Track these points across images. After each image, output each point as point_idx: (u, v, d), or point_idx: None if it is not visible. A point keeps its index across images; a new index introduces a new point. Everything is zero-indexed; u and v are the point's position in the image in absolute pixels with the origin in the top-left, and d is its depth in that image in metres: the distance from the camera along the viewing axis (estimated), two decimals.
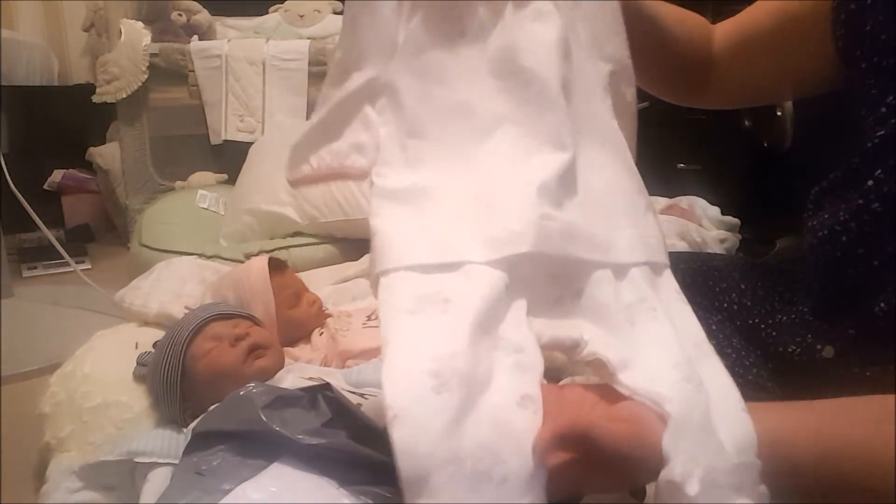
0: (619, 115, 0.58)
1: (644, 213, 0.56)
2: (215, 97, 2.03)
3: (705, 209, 1.64)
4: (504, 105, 0.53)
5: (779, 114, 1.41)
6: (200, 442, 0.72)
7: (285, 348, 1.07)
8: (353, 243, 1.66)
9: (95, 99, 1.99)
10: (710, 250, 1.46)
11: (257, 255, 1.50)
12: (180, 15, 2.08)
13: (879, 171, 0.54)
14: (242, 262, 1.41)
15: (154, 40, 1.98)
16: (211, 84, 2.02)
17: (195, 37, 2.07)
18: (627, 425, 0.44)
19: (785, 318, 0.70)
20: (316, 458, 0.67)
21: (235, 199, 1.82)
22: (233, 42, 2.04)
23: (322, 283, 1.39)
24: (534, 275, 0.50)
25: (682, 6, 0.73)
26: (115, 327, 1.17)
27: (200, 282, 1.26)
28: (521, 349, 0.47)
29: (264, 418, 0.68)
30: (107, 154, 2.20)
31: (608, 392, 0.48)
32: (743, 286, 0.76)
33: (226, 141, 2.04)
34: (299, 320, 1.15)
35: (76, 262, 1.73)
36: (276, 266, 1.19)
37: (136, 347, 1.06)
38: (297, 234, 1.68)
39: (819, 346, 0.63)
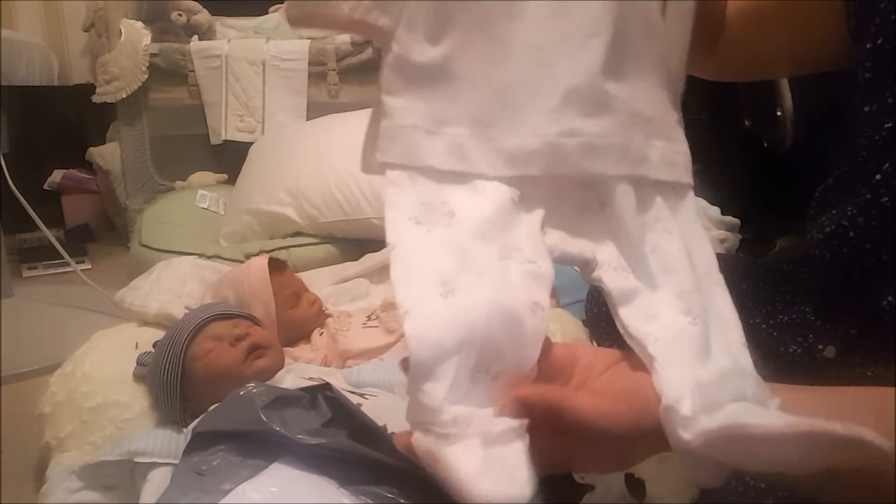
0: (671, 13, 0.52)
1: (675, 127, 0.52)
2: (215, 97, 2.03)
3: (705, 209, 1.64)
4: None
5: (779, 114, 1.41)
6: (200, 442, 0.72)
7: (285, 348, 1.07)
8: (353, 243, 1.66)
9: (95, 99, 1.99)
10: None
11: (257, 255, 1.50)
12: (180, 15, 2.08)
13: (888, 165, 0.53)
14: (242, 262, 1.41)
15: (154, 40, 1.98)
16: (211, 84, 2.02)
17: (195, 37, 2.07)
18: (610, 402, 0.43)
19: (786, 318, 0.70)
20: (316, 458, 0.67)
21: (235, 199, 1.82)
22: (233, 42, 2.04)
23: (322, 283, 1.39)
24: (556, 186, 0.48)
25: None
26: (115, 327, 1.17)
27: (200, 282, 1.26)
28: (533, 260, 0.45)
29: (264, 418, 0.68)
30: (107, 154, 2.20)
31: (626, 358, 0.47)
32: (744, 286, 0.76)
33: (226, 141, 2.05)
34: (299, 320, 1.15)
35: (76, 262, 1.72)
36: (276, 266, 1.19)
37: (136, 347, 1.06)
38: (297, 234, 1.68)
39: (821, 346, 0.63)
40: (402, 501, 0.63)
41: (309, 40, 2.04)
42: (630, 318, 0.46)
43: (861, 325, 0.59)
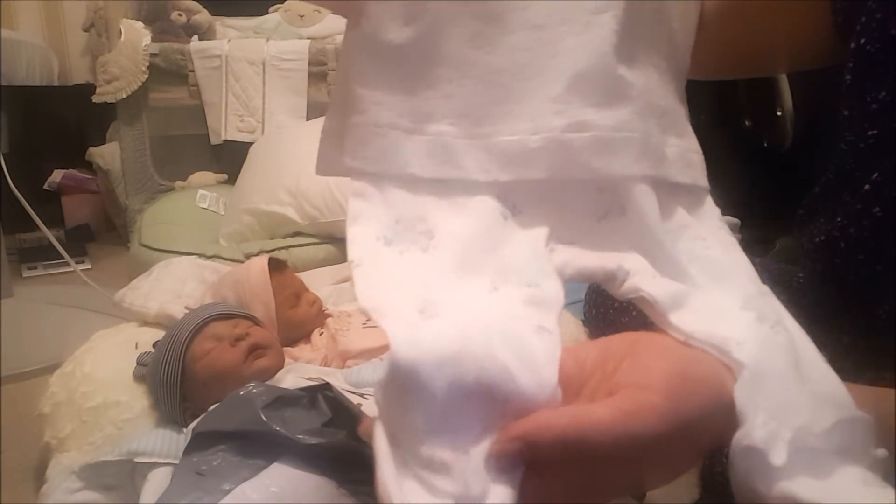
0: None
1: (686, 124, 0.45)
2: (215, 97, 2.03)
3: None
4: None
5: (779, 114, 1.41)
6: (200, 442, 0.72)
7: (285, 348, 1.07)
8: None
9: (95, 99, 1.99)
10: None
11: (257, 255, 1.50)
12: (180, 15, 2.08)
13: (877, 175, 0.51)
14: (242, 262, 1.41)
15: (154, 40, 1.98)
16: (211, 84, 2.02)
17: (195, 37, 2.07)
18: (632, 397, 0.33)
19: None
20: (316, 458, 0.67)
21: (235, 199, 1.82)
22: (233, 42, 2.04)
23: (322, 283, 1.40)
24: (563, 191, 0.40)
25: None
26: (115, 327, 1.17)
27: (200, 282, 1.26)
28: (535, 283, 0.37)
29: (264, 418, 0.68)
30: (107, 154, 2.20)
31: (643, 339, 0.38)
32: None
33: (226, 141, 2.04)
34: (299, 320, 1.15)
35: (76, 262, 1.73)
36: (276, 266, 1.19)
37: (136, 347, 1.06)
38: (297, 234, 1.68)
39: None
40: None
41: (309, 40, 2.04)
42: (690, 322, 0.37)
43: (856, 332, 0.58)
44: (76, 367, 1.03)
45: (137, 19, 2.01)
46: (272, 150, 1.85)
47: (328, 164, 0.42)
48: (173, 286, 1.22)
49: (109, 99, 1.97)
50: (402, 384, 0.31)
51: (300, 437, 0.66)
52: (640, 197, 0.40)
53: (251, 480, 0.65)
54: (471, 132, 0.39)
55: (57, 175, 2.32)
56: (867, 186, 0.52)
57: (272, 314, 1.10)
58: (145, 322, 1.17)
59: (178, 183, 2.08)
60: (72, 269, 1.69)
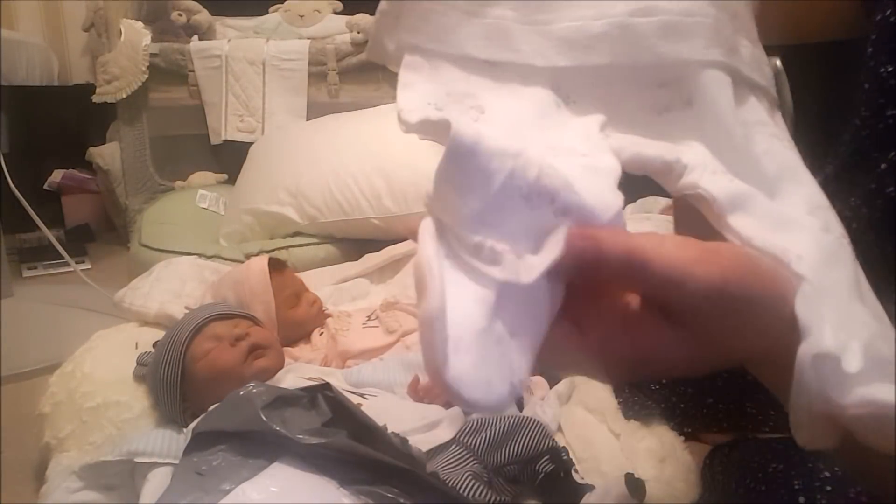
0: None
1: (756, 36, 0.42)
2: (215, 97, 2.03)
3: None
4: None
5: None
6: (200, 442, 0.72)
7: (285, 348, 1.07)
8: (353, 243, 1.66)
9: (95, 99, 1.99)
10: None
11: (257, 255, 1.50)
12: (180, 15, 2.08)
13: (893, 154, 0.50)
14: (242, 262, 1.42)
15: (154, 40, 1.98)
16: (211, 84, 2.02)
17: (195, 37, 2.07)
18: (696, 252, 0.32)
19: None
20: (316, 458, 0.67)
21: (235, 199, 1.82)
22: (233, 42, 2.04)
23: (322, 283, 1.40)
24: (623, 82, 0.39)
25: None
26: (115, 327, 1.17)
27: (200, 282, 1.26)
28: (591, 155, 0.35)
29: (264, 418, 0.68)
30: (107, 154, 2.20)
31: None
32: None
33: (226, 141, 2.04)
34: (299, 320, 1.15)
35: (76, 262, 1.73)
36: (276, 266, 1.19)
37: (136, 347, 1.06)
38: (297, 234, 1.68)
39: None
40: (402, 501, 0.63)
41: (309, 40, 2.04)
42: (749, 226, 0.35)
43: None
44: (76, 367, 1.03)
45: (137, 19, 2.02)
46: (272, 150, 1.85)
47: (379, 48, 0.41)
48: (173, 286, 1.22)
49: (109, 99, 1.97)
50: (461, 166, 0.30)
51: (300, 437, 0.66)
52: (711, 83, 0.37)
53: (251, 480, 0.65)
54: (531, 18, 0.37)
55: (57, 175, 2.32)
56: (883, 165, 0.51)
57: (272, 314, 1.10)
58: (145, 322, 1.17)
59: (178, 183, 2.08)
60: (72, 269, 1.69)
